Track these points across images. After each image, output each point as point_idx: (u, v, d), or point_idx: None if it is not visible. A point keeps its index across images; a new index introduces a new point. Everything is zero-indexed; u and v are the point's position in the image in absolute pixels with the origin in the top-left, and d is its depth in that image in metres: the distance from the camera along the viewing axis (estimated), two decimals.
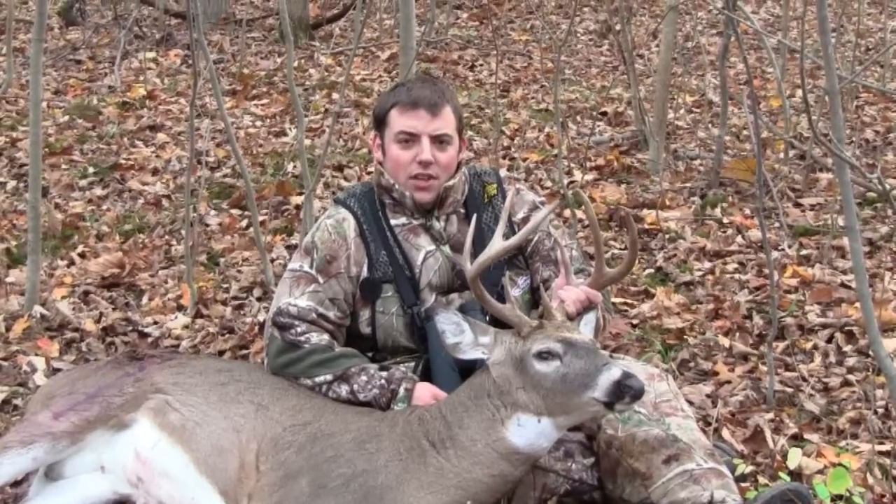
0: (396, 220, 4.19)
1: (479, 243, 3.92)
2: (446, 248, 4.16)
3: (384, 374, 3.97)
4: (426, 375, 4.04)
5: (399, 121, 4.10)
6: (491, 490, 3.61)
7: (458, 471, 3.59)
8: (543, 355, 3.53)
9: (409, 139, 4.09)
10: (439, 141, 4.10)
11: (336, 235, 4.15)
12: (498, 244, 3.73)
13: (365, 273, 4.13)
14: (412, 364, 4.09)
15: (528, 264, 4.29)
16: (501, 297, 3.78)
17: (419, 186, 4.12)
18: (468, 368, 3.80)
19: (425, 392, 3.92)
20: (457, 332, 3.68)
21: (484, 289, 3.69)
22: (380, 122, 4.22)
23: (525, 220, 4.25)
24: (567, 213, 6.89)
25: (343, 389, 3.96)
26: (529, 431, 3.56)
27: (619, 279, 3.99)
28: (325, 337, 4.04)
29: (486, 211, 4.24)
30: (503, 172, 4.45)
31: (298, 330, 4.02)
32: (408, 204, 4.16)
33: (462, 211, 4.23)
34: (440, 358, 3.95)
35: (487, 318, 3.87)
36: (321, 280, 4.10)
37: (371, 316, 4.14)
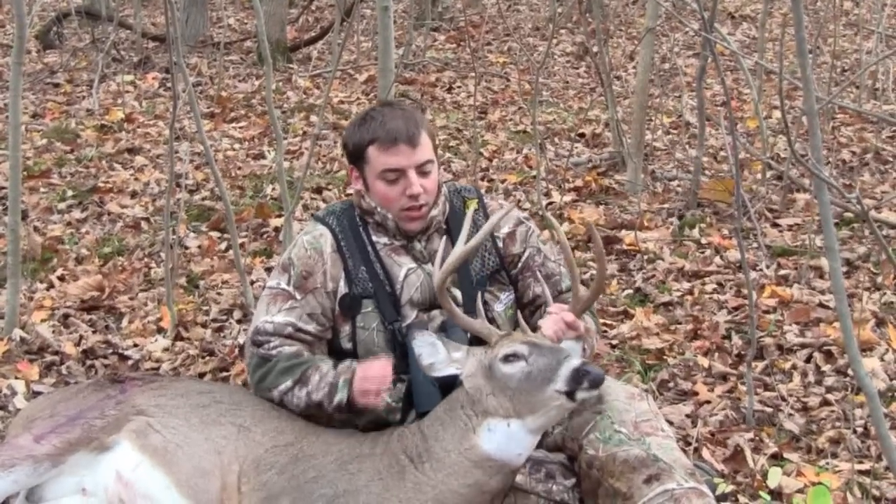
0: (378, 239, 4.19)
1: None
2: (428, 266, 4.16)
3: (333, 370, 3.99)
4: (408, 393, 4.05)
5: (381, 159, 4.07)
6: (469, 503, 3.62)
7: (434, 483, 3.61)
8: (510, 358, 3.61)
9: (396, 176, 4.08)
10: (423, 170, 4.10)
11: (312, 251, 4.15)
12: (459, 249, 3.80)
13: (343, 289, 4.13)
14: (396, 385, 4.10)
15: (518, 280, 4.30)
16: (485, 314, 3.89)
17: (412, 217, 4.12)
18: (450, 386, 3.82)
19: (371, 369, 3.95)
20: (433, 353, 3.75)
21: (451, 301, 3.81)
22: (356, 157, 4.17)
23: (511, 234, 4.28)
24: (546, 234, 6.91)
25: (302, 394, 3.97)
26: (500, 436, 3.60)
27: (596, 297, 3.99)
28: (296, 347, 4.06)
29: (469, 226, 4.22)
30: (482, 192, 4.47)
31: (272, 344, 4.04)
32: (390, 227, 4.16)
33: (444, 227, 4.24)
34: (421, 376, 3.96)
35: (468, 334, 3.90)
36: (298, 297, 4.10)
37: (351, 331, 4.13)
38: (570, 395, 3.49)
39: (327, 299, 4.13)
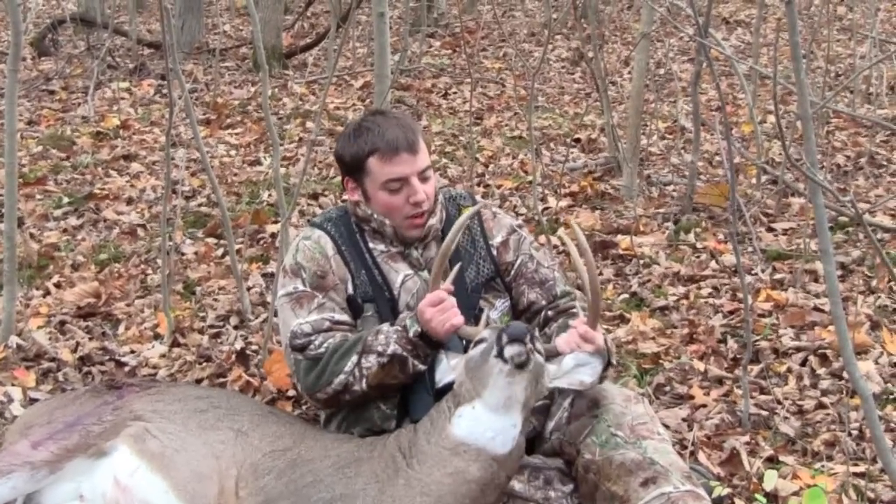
0: (375, 246, 4.21)
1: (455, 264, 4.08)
2: (424, 273, 4.19)
3: (390, 326, 4.01)
4: (403, 400, 4.07)
5: (385, 169, 4.09)
6: (455, 494, 3.61)
7: (421, 476, 3.63)
8: (477, 343, 3.71)
9: (399, 185, 4.10)
10: (424, 175, 4.14)
11: (317, 254, 4.17)
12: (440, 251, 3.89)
13: (350, 290, 4.16)
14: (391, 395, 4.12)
15: (512, 287, 4.33)
16: (478, 320, 4.00)
17: (415, 224, 4.17)
18: (444, 393, 3.84)
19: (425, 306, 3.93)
20: (437, 364, 3.91)
21: None
22: (354, 169, 4.18)
23: (504, 243, 4.32)
24: (542, 238, 6.91)
25: (371, 360, 3.94)
26: (468, 419, 3.64)
27: (598, 303, 3.98)
28: (339, 336, 4.05)
29: (463, 233, 4.25)
30: (478, 199, 4.50)
31: (316, 343, 4.02)
32: (387, 233, 4.18)
33: (440, 235, 4.25)
34: (416, 383, 3.99)
35: (463, 341, 3.93)
36: (320, 295, 4.11)
37: None
38: (501, 356, 3.55)
39: (345, 295, 4.16)
